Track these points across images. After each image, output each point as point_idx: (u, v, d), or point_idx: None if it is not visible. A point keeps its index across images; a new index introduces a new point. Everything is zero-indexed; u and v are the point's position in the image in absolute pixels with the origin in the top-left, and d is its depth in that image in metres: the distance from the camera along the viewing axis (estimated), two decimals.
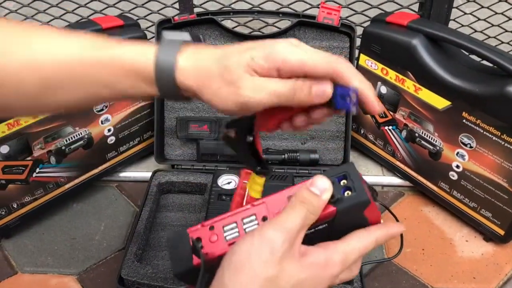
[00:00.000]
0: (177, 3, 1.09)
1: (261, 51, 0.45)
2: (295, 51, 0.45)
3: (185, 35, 0.49)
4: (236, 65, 0.45)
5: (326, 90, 0.45)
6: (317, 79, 0.45)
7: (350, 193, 0.47)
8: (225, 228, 0.47)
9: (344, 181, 0.47)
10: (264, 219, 0.47)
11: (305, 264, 0.44)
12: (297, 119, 0.50)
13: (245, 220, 0.47)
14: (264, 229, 0.44)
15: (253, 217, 0.47)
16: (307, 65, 0.45)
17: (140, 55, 0.47)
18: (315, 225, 0.46)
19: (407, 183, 1.03)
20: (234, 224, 0.47)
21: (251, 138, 0.52)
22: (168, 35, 0.49)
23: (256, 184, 0.55)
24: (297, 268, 0.43)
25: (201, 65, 0.46)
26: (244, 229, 0.47)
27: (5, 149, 0.84)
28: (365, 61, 0.98)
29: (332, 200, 0.46)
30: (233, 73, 0.45)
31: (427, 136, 0.93)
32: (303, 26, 0.98)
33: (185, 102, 0.46)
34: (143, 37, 0.95)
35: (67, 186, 0.95)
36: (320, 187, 0.46)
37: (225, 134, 0.53)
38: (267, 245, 0.43)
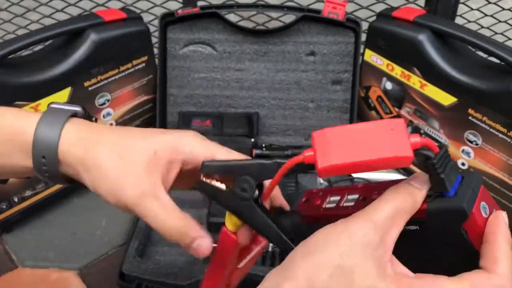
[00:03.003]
0: None
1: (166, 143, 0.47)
2: (203, 144, 0.48)
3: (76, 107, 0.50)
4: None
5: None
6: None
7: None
8: (330, 198, 0.46)
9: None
10: (364, 199, 0.43)
11: (391, 275, 0.37)
12: None
13: (348, 197, 0.45)
14: (348, 221, 0.39)
15: (356, 196, 0.44)
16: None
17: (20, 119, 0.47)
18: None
19: None
20: (339, 197, 0.46)
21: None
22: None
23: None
24: (378, 272, 0.37)
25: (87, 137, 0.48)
26: (342, 205, 0.45)
27: None
28: (371, 56, 0.97)
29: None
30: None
31: (432, 133, 0.92)
32: (308, 20, 0.96)
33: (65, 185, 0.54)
34: (146, 31, 0.94)
35: None
36: (421, 181, 0.40)
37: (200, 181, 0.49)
38: (346, 235, 0.38)
